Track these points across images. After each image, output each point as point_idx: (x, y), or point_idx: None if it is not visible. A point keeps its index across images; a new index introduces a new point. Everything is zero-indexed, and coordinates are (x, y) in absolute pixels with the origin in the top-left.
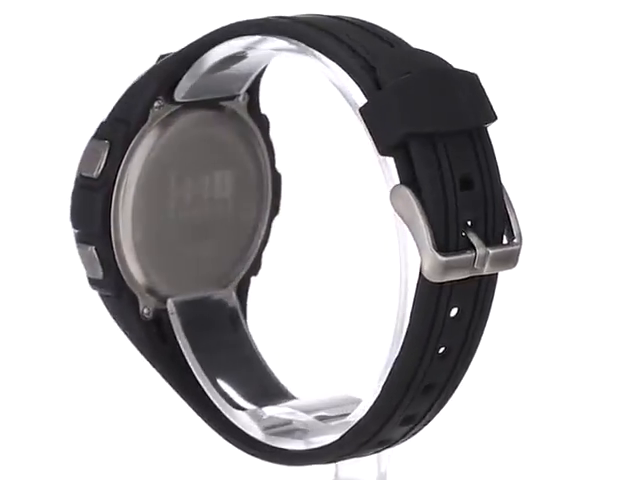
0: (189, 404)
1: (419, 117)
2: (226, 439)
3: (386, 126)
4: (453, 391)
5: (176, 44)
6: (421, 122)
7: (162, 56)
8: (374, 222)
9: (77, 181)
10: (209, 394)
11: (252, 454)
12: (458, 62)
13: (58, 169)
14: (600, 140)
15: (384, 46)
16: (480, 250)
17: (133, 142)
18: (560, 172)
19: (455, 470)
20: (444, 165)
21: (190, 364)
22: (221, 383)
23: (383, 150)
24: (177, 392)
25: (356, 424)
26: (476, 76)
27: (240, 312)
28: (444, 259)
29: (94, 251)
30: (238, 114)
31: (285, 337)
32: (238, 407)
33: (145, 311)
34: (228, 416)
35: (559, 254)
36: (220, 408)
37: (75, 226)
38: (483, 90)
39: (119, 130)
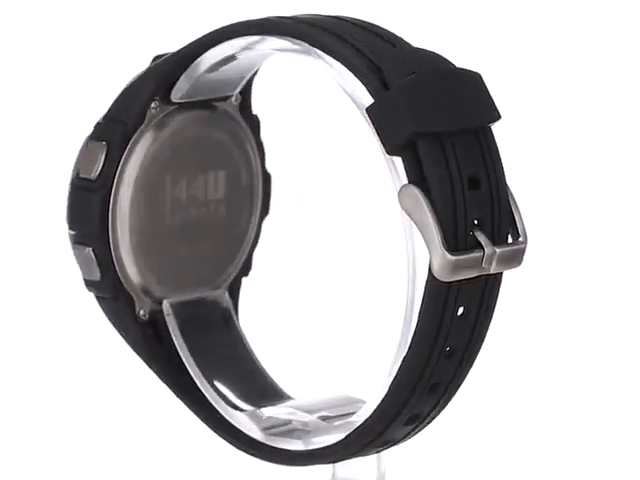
0: (186, 404)
1: (427, 117)
2: (224, 439)
3: (394, 126)
4: (457, 390)
5: (169, 45)
6: (429, 122)
7: (157, 57)
8: (379, 222)
9: (73, 182)
10: (206, 395)
11: (251, 454)
12: (456, 61)
13: (50, 170)
14: (598, 138)
15: (387, 46)
16: (488, 249)
17: (130, 143)
18: (559, 171)
19: (454, 470)
20: (452, 164)
21: (187, 365)
22: (218, 384)
23: (390, 150)
24: (174, 392)
25: (362, 424)
26: (479, 75)
27: (233, 313)
28: (454, 258)
29: (91, 252)
30: (230, 115)
31: (279, 338)
32: (236, 408)
33: (141, 312)
34: (226, 416)
35: (559, 253)
36: (218, 408)
37: (72, 227)
38: (487, 89)
39: (116, 131)
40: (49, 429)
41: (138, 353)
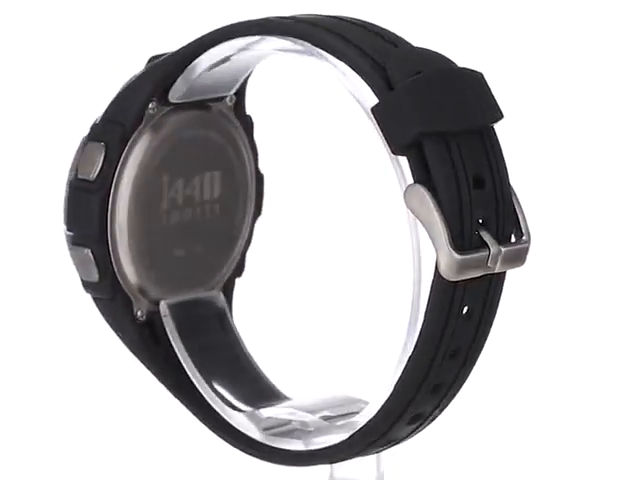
0: (184, 404)
1: (432, 116)
2: (222, 438)
3: (399, 126)
4: (460, 389)
5: (163, 46)
6: (435, 121)
7: (153, 58)
8: (381, 221)
9: (72, 183)
10: (204, 395)
11: (250, 454)
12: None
13: (44, 171)
14: (597, 138)
15: (389, 46)
16: (494, 248)
17: (129, 144)
18: (559, 171)
19: (453, 469)
20: (458, 164)
21: (184, 365)
22: (216, 384)
23: (396, 149)
24: (172, 393)
25: (366, 423)
26: (482, 75)
27: (228, 313)
28: (461, 257)
29: (90, 253)
30: (225, 115)
31: (279, 338)
32: (234, 408)
33: (139, 313)
34: (224, 416)
35: (558, 253)
36: (216, 409)
37: (70, 229)
38: (489, 89)
39: (115, 132)
40: (46, 430)
41: (135, 354)
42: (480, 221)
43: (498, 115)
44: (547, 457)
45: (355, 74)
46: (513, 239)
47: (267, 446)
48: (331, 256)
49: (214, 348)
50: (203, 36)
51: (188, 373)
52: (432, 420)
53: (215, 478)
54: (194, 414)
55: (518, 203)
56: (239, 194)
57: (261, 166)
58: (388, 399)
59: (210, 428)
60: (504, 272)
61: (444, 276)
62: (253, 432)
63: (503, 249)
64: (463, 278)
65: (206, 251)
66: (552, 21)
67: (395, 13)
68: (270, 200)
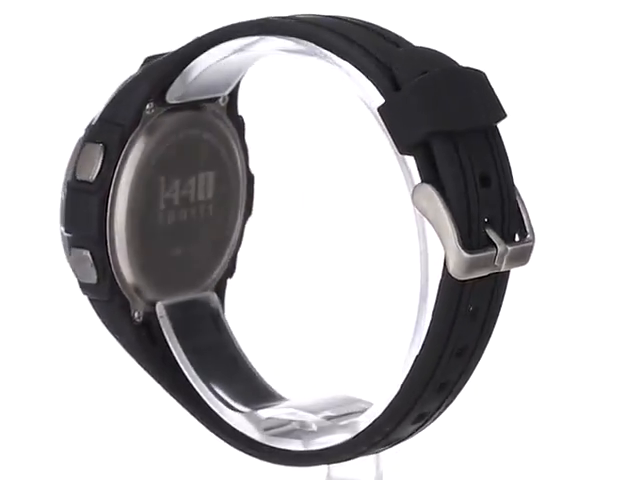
0: (182, 404)
1: (439, 116)
2: (221, 438)
3: (407, 125)
4: (463, 387)
5: (159, 47)
6: (442, 121)
7: (149, 58)
8: (388, 221)
9: (70, 185)
10: (203, 395)
11: (249, 454)
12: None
13: (39, 173)
14: (596, 137)
15: (391, 46)
16: (501, 247)
17: (127, 145)
18: (559, 171)
19: (452, 468)
20: (465, 163)
21: (182, 366)
22: (213, 385)
23: (403, 149)
24: (169, 393)
25: (372, 423)
26: (484, 74)
27: (222, 313)
28: (469, 256)
29: (89, 255)
30: (218, 115)
31: (278, 338)
32: (232, 408)
33: (136, 315)
34: (223, 417)
35: (558, 253)
36: (214, 409)
37: (68, 230)
38: (492, 88)
39: (113, 132)
40: (44, 432)
41: (133, 355)
42: (486, 220)
43: (502, 114)
44: (547, 457)
45: (360, 74)
46: (517, 238)
47: (267, 446)
48: (339, 257)
49: (210, 348)
50: (202, 36)
51: (185, 373)
52: (435, 419)
53: (215, 478)
54: (192, 414)
55: (522, 202)
56: (232, 194)
57: (252, 166)
58: (395, 398)
59: (208, 428)
60: (508, 271)
61: (453, 275)
62: (252, 432)
63: (509, 248)
64: (471, 277)
65: (201, 251)
66: (552, 21)
67: (395, 13)
68: (278, 199)
